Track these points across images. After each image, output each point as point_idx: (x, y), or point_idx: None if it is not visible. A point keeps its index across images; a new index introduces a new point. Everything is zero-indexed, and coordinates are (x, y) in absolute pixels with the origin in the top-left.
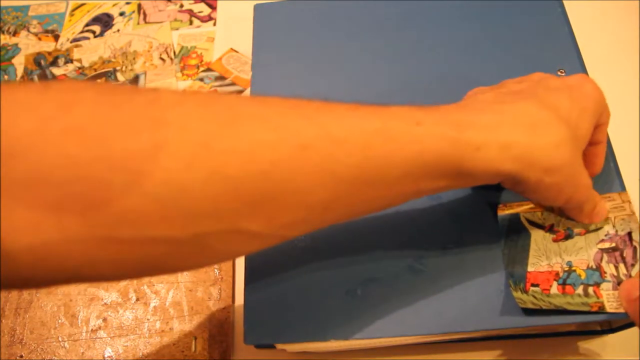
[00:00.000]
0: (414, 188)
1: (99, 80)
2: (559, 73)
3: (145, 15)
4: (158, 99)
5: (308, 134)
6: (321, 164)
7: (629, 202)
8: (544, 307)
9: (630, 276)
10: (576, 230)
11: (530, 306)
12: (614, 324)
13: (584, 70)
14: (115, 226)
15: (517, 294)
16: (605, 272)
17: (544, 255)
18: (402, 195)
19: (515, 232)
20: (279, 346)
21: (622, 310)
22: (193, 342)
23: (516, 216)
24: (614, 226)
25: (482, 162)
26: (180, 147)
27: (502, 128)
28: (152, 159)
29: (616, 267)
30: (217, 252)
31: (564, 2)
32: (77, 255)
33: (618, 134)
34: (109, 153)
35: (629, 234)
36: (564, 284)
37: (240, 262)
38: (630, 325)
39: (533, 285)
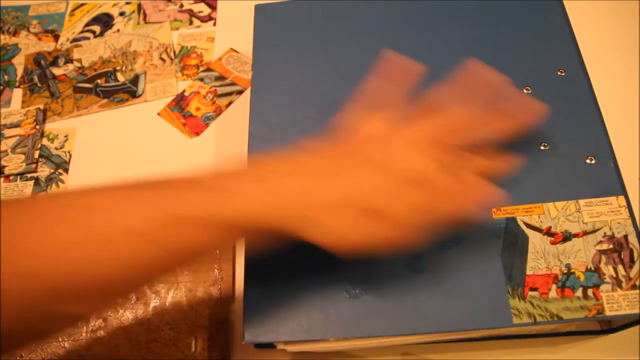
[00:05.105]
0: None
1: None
2: (559, 73)
3: (145, 15)
4: None
5: (107, 230)
6: (122, 257)
7: (625, 206)
8: (538, 320)
9: (629, 278)
10: (574, 233)
11: (526, 319)
12: (614, 324)
13: (584, 70)
14: None
15: (514, 302)
16: (604, 274)
17: (543, 258)
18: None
19: (512, 236)
20: (279, 345)
21: (622, 312)
22: (193, 342)
23: (513, 219)
24: (610, 228)
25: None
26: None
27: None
28: None
29: (615, 269)
30: (43, 331)
31: (565, 2)
32: None
33: (618, 133)
34: None
35: (625, 237)
36: (563, 286)
37: (240, 262)
38: (630, 325)
39: (532, 289)
